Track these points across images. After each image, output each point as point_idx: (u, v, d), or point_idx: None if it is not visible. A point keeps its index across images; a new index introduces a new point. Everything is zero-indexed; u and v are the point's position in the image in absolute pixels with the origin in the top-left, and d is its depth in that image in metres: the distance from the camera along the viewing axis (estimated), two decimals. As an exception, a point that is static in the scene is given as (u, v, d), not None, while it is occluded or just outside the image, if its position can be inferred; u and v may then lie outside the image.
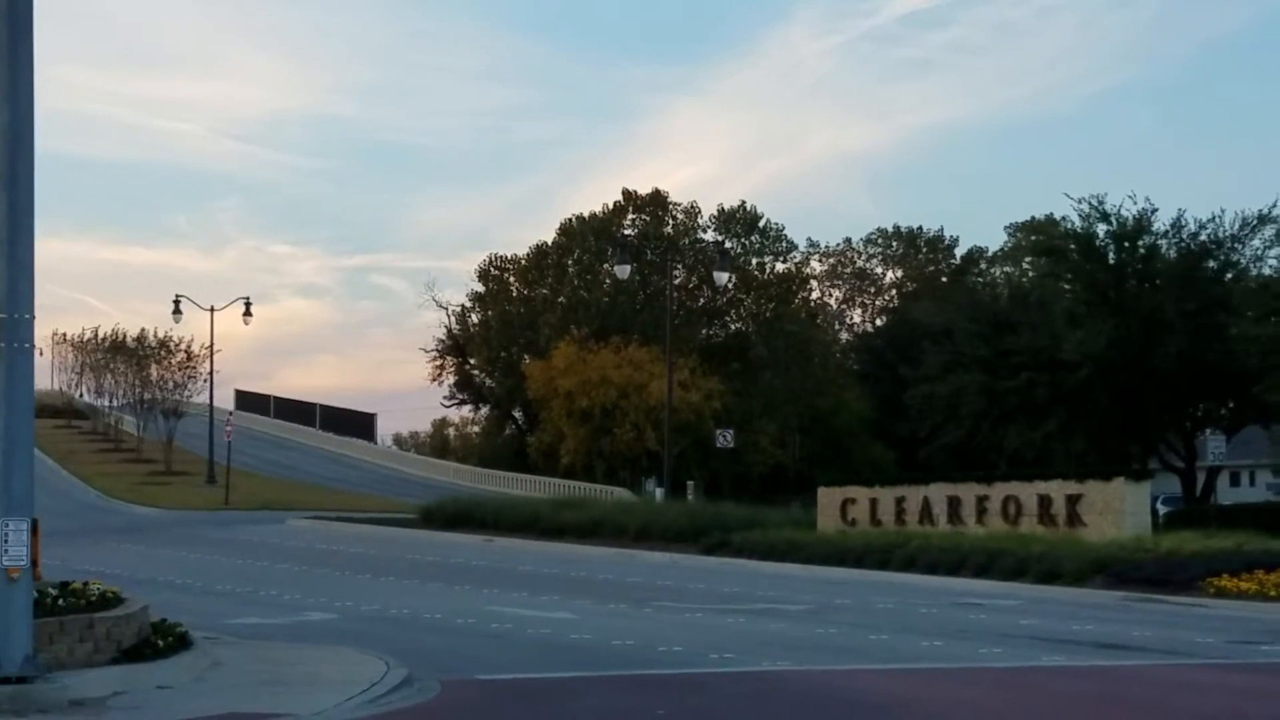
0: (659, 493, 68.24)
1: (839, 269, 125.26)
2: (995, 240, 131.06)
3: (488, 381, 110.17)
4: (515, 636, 26.33)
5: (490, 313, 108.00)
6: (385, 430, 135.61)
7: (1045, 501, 45.14)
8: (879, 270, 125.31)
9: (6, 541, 18.31)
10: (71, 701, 18.22)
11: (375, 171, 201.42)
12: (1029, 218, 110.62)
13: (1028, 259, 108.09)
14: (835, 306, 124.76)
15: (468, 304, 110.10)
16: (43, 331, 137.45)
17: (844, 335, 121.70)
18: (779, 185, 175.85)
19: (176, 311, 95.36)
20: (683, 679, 21.03)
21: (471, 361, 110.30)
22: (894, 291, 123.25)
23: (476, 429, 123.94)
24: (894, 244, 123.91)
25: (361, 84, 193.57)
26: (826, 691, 19.68)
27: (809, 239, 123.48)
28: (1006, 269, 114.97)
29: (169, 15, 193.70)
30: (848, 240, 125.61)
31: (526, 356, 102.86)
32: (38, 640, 18.67)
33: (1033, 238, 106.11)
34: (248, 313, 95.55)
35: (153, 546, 52.66)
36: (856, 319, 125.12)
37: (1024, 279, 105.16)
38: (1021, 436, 66.17)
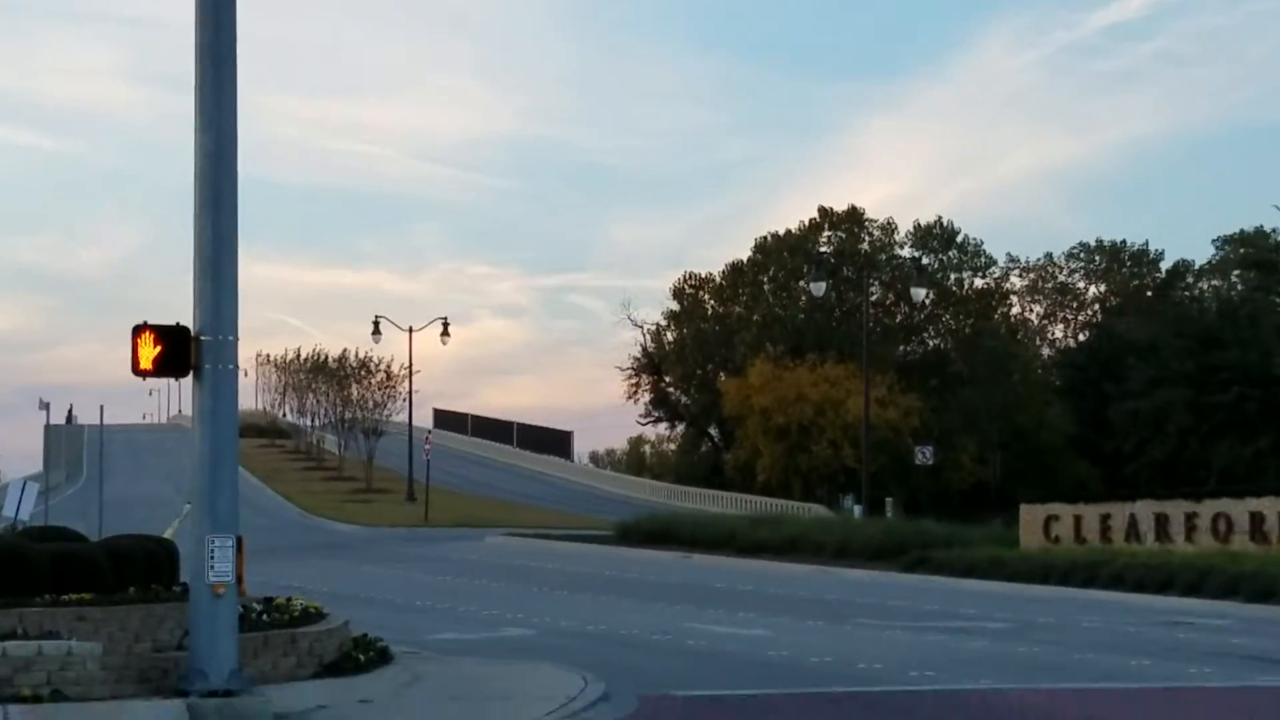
0: (857, 510, 67.69)
1: (1039, 284, 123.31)
2: (1202, 254, 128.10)
3: (683, 399, 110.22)
4: (712, 653, 26.24)
5: (686, 330, 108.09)
6: (581, 448, 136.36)
7: (1258, 519, 44.01)
8: (1081, 285, 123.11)
9: (213, 558, 18.64)
10: (276, 715, 18.48)
11: (572, 192, 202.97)
12: (1237, 230, 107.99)
13: (1236, 272, 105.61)
14: (1036, 322, 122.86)
15: (663, 322, 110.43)
16: (247, 353, 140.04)
17: (1045, 351, 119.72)
18: (976, 201, 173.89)
19: (376, 332, 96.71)
20: (882, 697, 20.78)
21: (667, 379, 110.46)
22: (1097, 306, 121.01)
23: (672, 446, 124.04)
24: (1097, 258, 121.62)
25: (558, 105, 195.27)
26: (1031, 711, 19.32)
27: (1008, 254, 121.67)
28: (1214, 283, 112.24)
29: (369, 42, 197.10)
30: (1048, 255, 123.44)
31: (722, 374, 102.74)
32: (242, 655, 18.97)
33: (1241, 250, 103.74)
34: (445, 333, 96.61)
35: (354, 563, 53.39)
36: (1058, 334, 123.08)
37: (1232, 293, 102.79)
38: (1232, 452, 64.57)
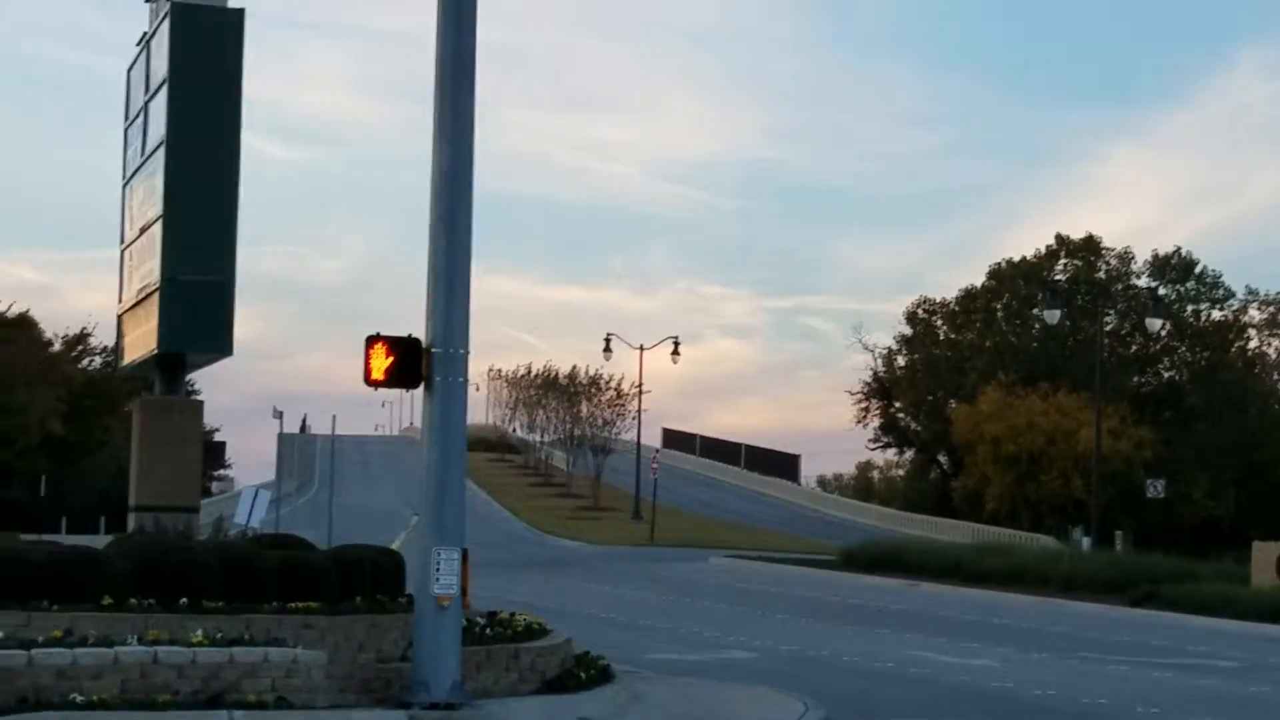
0: (1086, 542, 66.30)
1: (1279, 318, 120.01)
2: None
3: (913, 425, 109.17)
4: (934, 682, 25.81)
5: (917, 356, 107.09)
6: (809, 471, 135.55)
7: None
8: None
9: (438, 570, 18.77)
10: (495, 729, 18.57)
11: (806, 213, 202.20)
12: None
13: None
14: (1275, 356, 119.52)
15: (894, 347, 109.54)
16: (479, 367, 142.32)
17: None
18: (1218, 231, 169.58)
19: (607, 350, 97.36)
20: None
21: (897, 405, 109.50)
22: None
23: (900, 472, 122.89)
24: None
25: (791, 126, 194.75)
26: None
27: (1247, 286, 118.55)
28: None
29: (607, 60, 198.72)
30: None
31: (953, 401, 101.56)
32: (465, 668, 19.08)
33: None
34: (676, 352, 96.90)
35: (578, 580, 53.66)
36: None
37: None
38: None
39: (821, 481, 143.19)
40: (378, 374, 19.01)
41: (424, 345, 19.06)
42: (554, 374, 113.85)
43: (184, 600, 19.31)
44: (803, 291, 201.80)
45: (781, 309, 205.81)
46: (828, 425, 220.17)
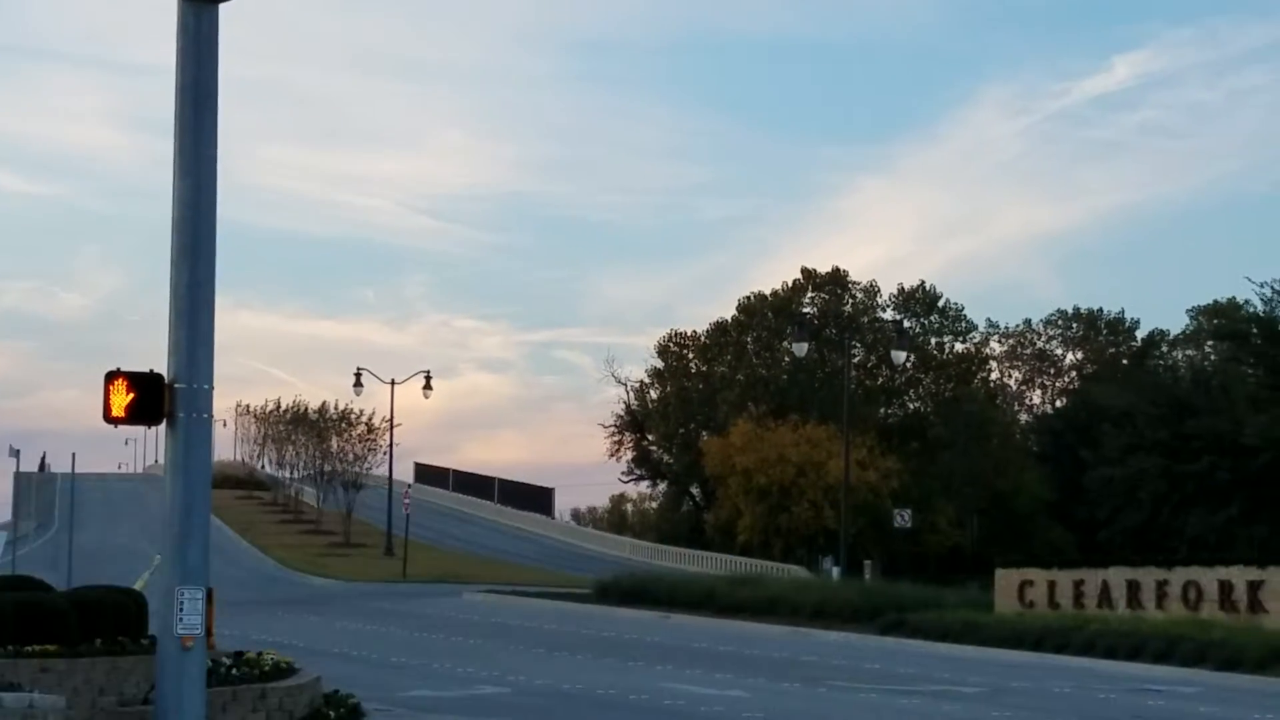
0: (836, 571, 67.48)
1: (1019, 350, 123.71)
2: (1177, 323, 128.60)
3: (665, 458, 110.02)
4: (688, 714, 26.05)
5: (669, 389, 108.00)
6: (564, 505, 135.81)
7: (1226, 587, 44.05)
8: (1059, 351, 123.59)
9: (182, 610, 18.41)
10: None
11: (561, 247, 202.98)
12: (1211, 301, 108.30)
13: (1210, 342, 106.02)
14: (1015, 387, 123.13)
15: (647, 380, 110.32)
16: (227, 403, 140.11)
17: (1023, 416, 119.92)
18: (962, 265, 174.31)
19: (358, 384, 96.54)
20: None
21: (650, 437, 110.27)
22: (1074, 373, 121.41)
23: (654, 505, 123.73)
24: (1074, 325, 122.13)
25: (547, 160, 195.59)
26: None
27: (988, 319, 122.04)
28: (1188, 352, 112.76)
29: (358, 93, 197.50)
30: (1027, 321, 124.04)
31: (704, 433, 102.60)
32: (210, 709, 18.75)
33: (1215, 321, 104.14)
34: (428, 386, 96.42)
35: (329, 618, 53.04)
36: (1036, 400, 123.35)
37: (1206, 363, 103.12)
38: (1203, 521, 64.61)
39: (576, 515, 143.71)
40: (118, 410, 18.59)
41: (166, 380, 18.70)
42: (304, 409, 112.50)
43: (-86, 645, 18.71)
44: (558, 325, 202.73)
45: (536, 342, 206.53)
46: (582, 458, 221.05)
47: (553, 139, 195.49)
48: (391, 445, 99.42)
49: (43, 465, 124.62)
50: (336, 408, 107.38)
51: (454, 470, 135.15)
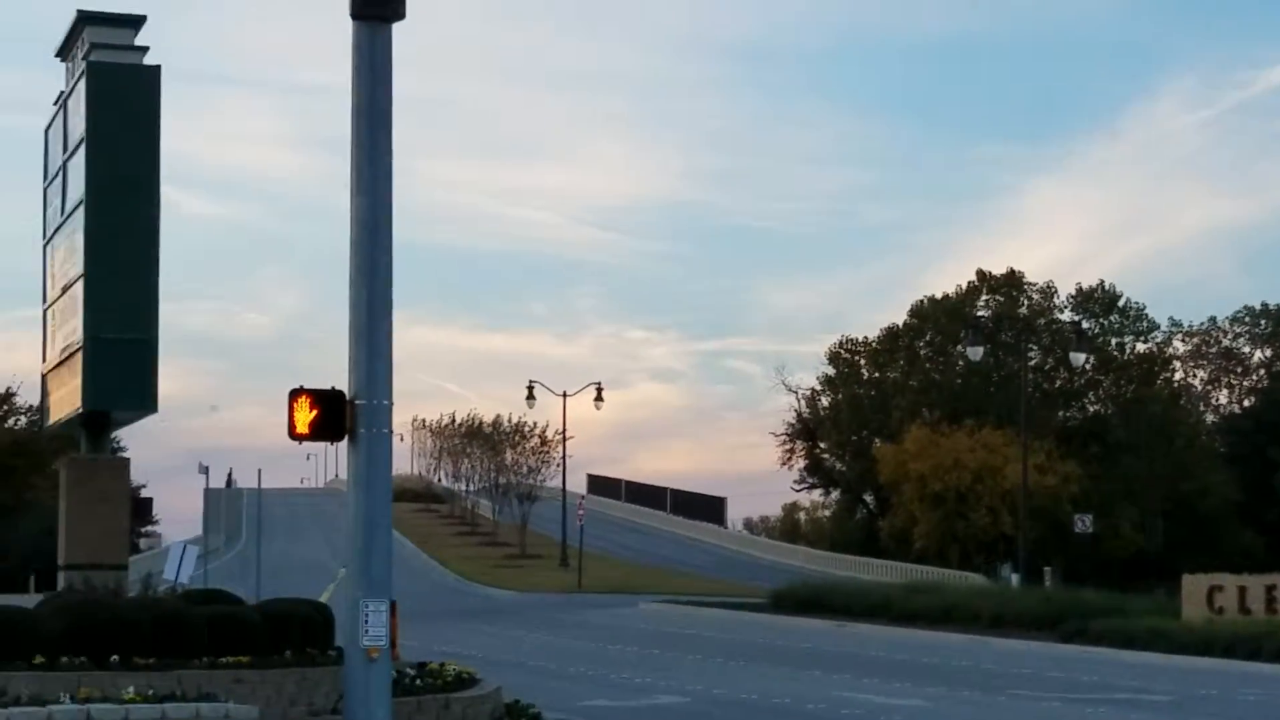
0: (1014, 578, 66.76)
1: (1203, 349, 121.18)
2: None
3: (838, 465, 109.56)
4: (865, 723, 25.96)
5: (841, 396, 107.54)
6: (735, 514, 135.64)
7: None
8: (1246, 349, 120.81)
9: (367, 622, 18.74)
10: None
11: (730, 255, 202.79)
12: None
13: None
14: (1200, 387, 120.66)
15: (818, 387, 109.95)
16: (403, 418, 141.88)
17: (1209, 417, 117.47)
18: (1141, 263, 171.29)
19: (530, 397, 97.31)
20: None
21: (822, 445, 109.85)
22: (1262, 371, 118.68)
23: (827, 513, 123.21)
24: (1262, 322, 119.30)
25: (711, 168, 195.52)
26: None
27: (1171, 318, 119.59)
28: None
29: (528, 107, 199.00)
30: (1212, 319, 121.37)
31: (877, 440, 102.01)
32: (396, 719, 19.07)
33: None
34: (599, 398, 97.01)
35: (507, 628, 53.56)
36: (1223, 400, 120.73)
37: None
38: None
39: (748, 524, 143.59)
40: (302, 427, 18.99)
41: (348, 397, 19.06)
42: (478, 422, 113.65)
43: (115, 657, 19.28)
44: (727, 334, 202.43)
45: (706, 351, 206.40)
46: (753, 467, 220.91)
47: (716, 147, 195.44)
48: (565, 457, 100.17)
49: (229, 481, 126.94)
50: (510, 420, 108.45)
51: (626, 481, 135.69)
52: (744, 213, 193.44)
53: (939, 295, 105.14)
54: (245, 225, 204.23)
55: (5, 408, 75.57)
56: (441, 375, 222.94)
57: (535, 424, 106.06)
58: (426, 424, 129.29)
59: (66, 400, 24.41)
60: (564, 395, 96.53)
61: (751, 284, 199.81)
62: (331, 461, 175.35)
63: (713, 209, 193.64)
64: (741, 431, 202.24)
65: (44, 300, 26.52)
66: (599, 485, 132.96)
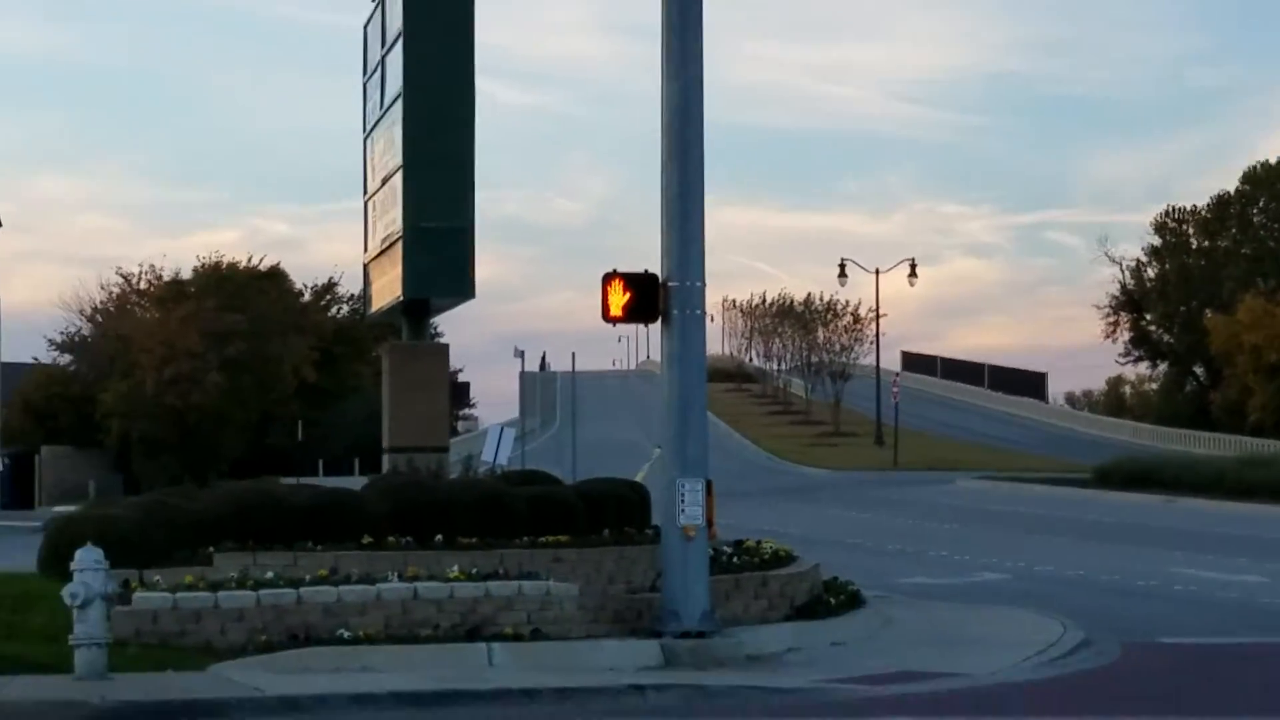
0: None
1: None
2: None
3: (1165, 337, 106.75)
4: (1201, 600, 25.31)
5: (1168, 266, 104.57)
6: (1056, 389, 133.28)
7: None
8: None
9: (683, 501, 18.92)
10: (747, 656, 18.68)
11: (1048, 126, 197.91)
12: None
13: None
14: None
15: (1144, 258, 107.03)
16: (713, 298, 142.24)
17: None
18: None
19: (842, 275, 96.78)
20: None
21: (1148, 317, 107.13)
22: None
23: (1153, 386, 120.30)
24: None
25: (1032, 38, 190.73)
26: None
27: None
28: None
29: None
30: None
31: (1208, 311, 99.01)
32: (714, 597, 19.22)
33: None
34: (913, 274, 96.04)
35: (821, 506, 53.64)
36: None
37: None
38: None
39: (1070, 399, 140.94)
40: (615, 310, 19.15)
41: (660, 280, 19.14)
42: (789, 302, 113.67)
43: (439, 537, 19.79)
44: (1046, 206, 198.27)
45: (1024, 225, 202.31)
46: (1075, 341, 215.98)
47: (1034, 16, 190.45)
48: (878, 334, 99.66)
49: (543, 365, 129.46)
50: (821, 299, 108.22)
51: (941, 357, 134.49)
52: (1065, 81, 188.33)
53: (1274, 161, 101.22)
54: (555, 112, 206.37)
55: (328, 297, 78.02)
56: (752, 255, 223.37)
57: (847, 302, 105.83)
58: (737, 304, 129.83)
59: (387, 289, 24.98)
60: (876, 272, 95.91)
61: (1072, 154, 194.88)
62: (643, 343, 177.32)
63: (1031, 79, 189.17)
64: (1061, 305, 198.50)
65: (365, 192, 27.12)
66: (913, 362, 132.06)
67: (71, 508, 32.14)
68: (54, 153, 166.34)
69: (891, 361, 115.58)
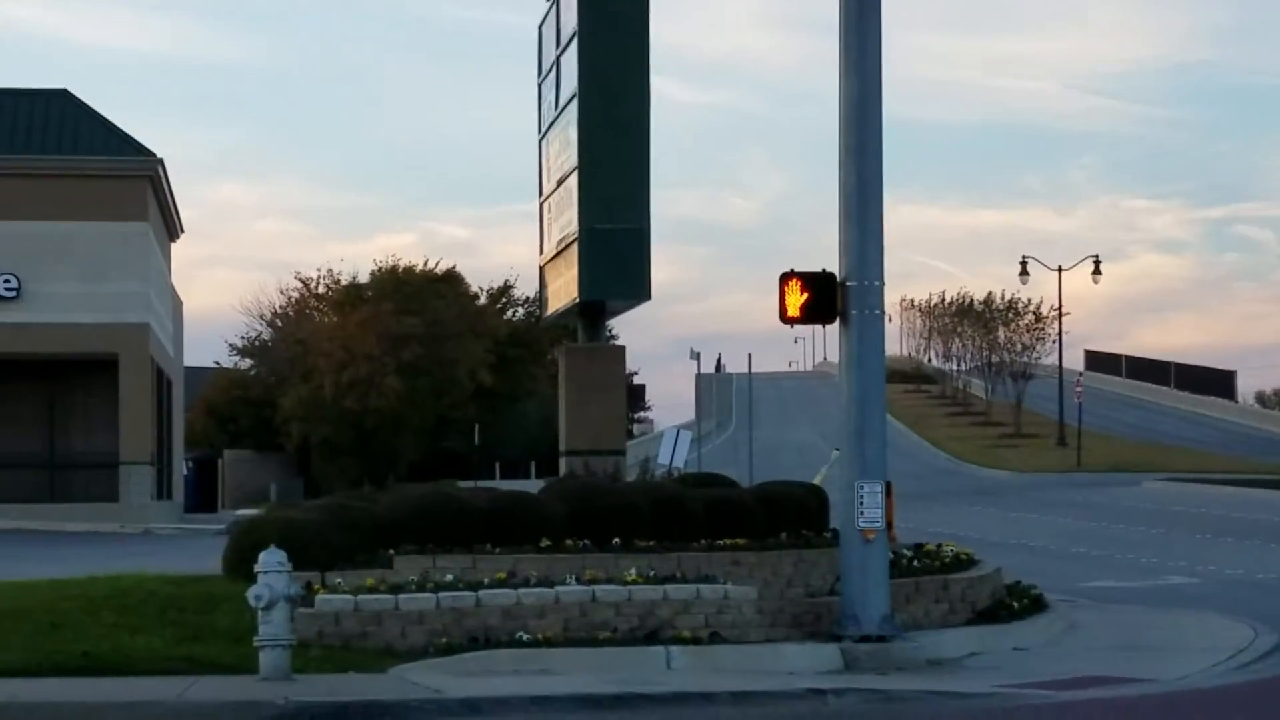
0: None
1: None
2: None
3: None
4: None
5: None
6: (1246, 388, 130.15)
7: None
8: None
9: (862, 504, 18.71)
10: (929, 661, 18.44)
11: (1239, 116, 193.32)
12: None
13: None
14: None
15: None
16: (891, 298, 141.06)
17: None
18: None
19: (1023, 273, 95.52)
20: None
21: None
22: None
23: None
24: None
25: (1218, 27, 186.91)
26: None
27: None
28: None
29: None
30: None
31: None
32: (894, 600, 19.01)
33: None
34: (1097, 271, 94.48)
35: (1002, 509, 52.92)
36: None
37: None
38: None
39: (1260, 398, 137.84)
40: (793, 311, 19.00)
41: (838, 279, 18.96)
42: (969, 300, 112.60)
43: (616, 540, 19.75)
44: (1236, 199, 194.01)
45: (1213, 219, 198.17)
46: (1265, 338, 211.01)
47: (1220, 2, 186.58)
48: (1060, 333, 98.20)
49: (718, 366, 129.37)
50: (1002, 298, 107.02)
51: (1126, 356, 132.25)
52: (1254, 70, 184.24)
53: None
54: (730, 110, 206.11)
55: (504, 300, 78.68)
56: (930, 253, 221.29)
57: (1029, 300, 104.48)
58: (915, 304, 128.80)
59: (563, 291, 25.05)
60: (1059, 270, 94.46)
61: (1262, 146, 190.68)
62: (819, 344, 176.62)
63: (1219, 68, 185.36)
64: (1252, 301, 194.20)
65: (540, 194, 27.22)
66: (1097, 361, 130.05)
67: (254, 510, 32.66)
68: (234, 159, 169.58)
69: (1074, 361, 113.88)
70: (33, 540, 38.82)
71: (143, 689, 15.57)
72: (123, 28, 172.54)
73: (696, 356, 77.18)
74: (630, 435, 77.40)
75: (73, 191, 46.52)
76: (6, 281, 46.13)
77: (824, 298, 18.91)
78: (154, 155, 48.33)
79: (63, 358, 47.40)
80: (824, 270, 19.04)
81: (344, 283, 73.04)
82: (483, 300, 77.64)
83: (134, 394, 47.04)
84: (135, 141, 48.48)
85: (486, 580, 18.27)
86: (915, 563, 21.42)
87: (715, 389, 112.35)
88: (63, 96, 49.11)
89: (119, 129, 48.67)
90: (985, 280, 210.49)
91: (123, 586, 19.34)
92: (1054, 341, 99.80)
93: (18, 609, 18.13)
